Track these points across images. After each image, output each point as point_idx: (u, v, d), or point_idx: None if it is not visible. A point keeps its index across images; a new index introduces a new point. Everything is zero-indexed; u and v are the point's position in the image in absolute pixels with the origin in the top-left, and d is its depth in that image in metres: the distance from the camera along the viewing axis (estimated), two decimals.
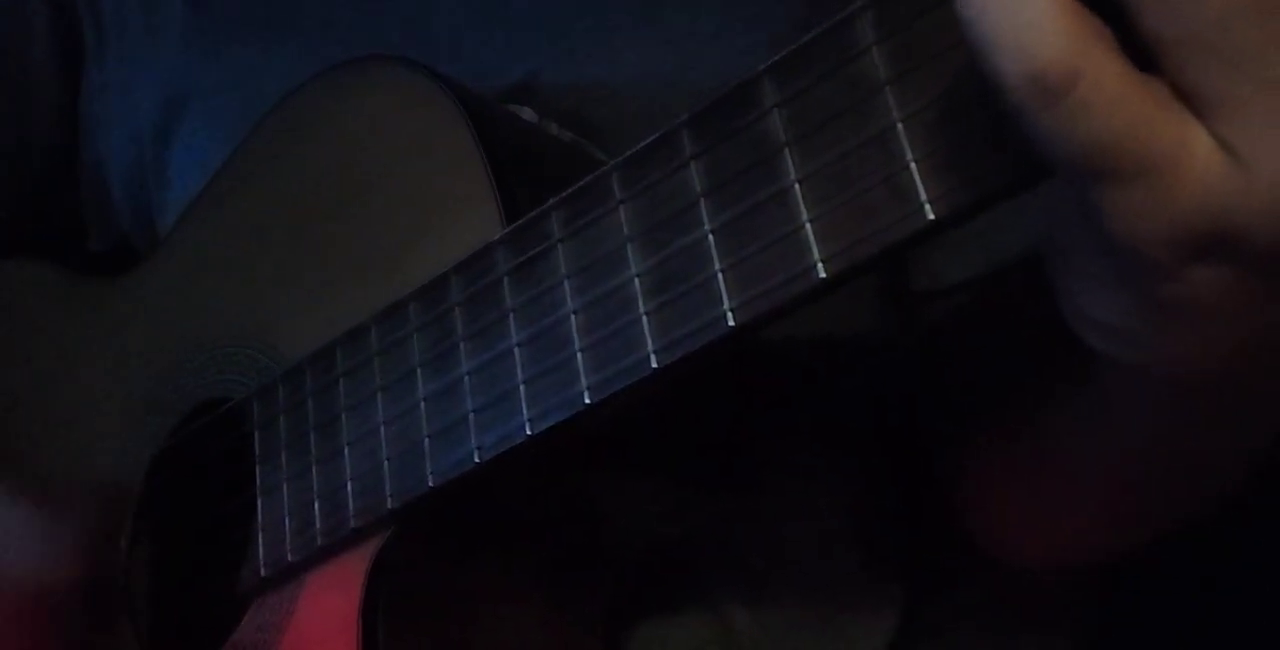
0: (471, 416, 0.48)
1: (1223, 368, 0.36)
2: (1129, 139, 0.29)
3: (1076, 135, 0.30)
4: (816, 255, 0.38)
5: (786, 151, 0.39)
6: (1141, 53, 0.30)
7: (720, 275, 0.41)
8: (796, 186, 0.39)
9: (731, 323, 0.40)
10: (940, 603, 0.65)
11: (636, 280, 0.43)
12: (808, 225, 0.38)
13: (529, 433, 0.46)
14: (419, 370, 0.50)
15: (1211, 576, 0.79)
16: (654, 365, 0.42)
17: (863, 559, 0.64)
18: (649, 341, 0.42)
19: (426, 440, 0.49)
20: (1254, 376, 0.39)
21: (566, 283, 0.45)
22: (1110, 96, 0.29)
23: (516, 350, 0.47)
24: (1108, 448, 0.51)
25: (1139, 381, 0.41)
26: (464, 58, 0.64)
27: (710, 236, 0.41)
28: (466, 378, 0.48)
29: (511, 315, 0.47)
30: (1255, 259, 0.30)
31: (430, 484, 0.49)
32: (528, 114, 0.61)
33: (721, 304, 0.40)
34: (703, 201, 0.42)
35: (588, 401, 0.44)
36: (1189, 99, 0.30)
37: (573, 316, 0.45)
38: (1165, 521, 0.58)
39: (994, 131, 0.34)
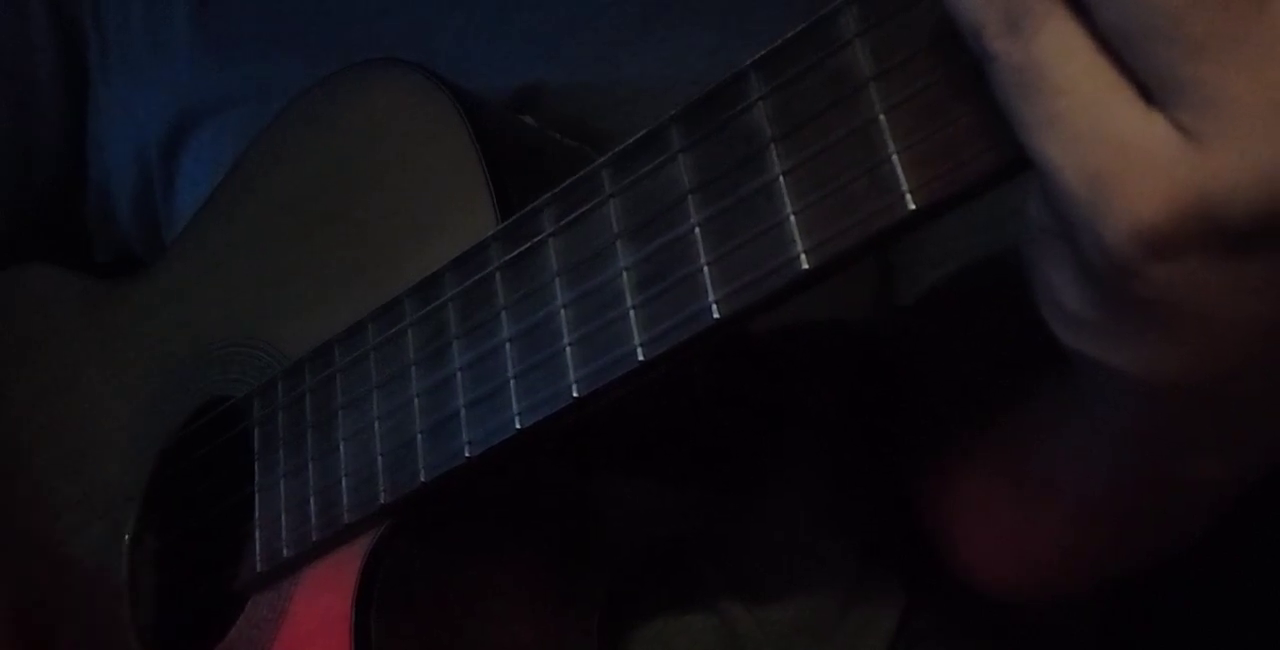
0: (463, 412, 0.48)
1: (1196, 380, 0.35)
2: (1090, 131, 0.30)
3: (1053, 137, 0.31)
4: (800, 247, 0.38)
5: (772, 145, 0.39)
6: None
7: (706, 269, 0.41)
8: (781, 179, 0.39)
9: (716, 315, 0.40)
10: (940, 603, 0.65)
11: (625, 274, 0.43)
12: (792, 217, 0.39)
13: (518, 427, 0.46)
14: (413, 366, 0.51)
15: (1212, 576, 0.78)
16: (640, 358, 0.42)
17: (863, 559, 0.64)
18: (636, 335, 0.42)
19: (419, 436, 0.49)
20: (1233, 396, 0.38)
21: (557, 278, 0.46)
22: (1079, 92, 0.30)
23: (507, 345, 0.47)
24: (1081, 468, 0.49)
25: (1116, 394, 0.40)
26: (467, 70, 0.65)
27: (697, 230, 0.41)
28: (459, 373, 0.49)
29: (503, 311, 0.47)
30: (1236, 238, 0.30)
31: (422, 479, 0.49)
32: (528, 121, 0.61)
33: (707, 297, 0.41)
34: (690, 196, 0.42)
35: (576, 395, 0.44)
36: (1146, 88, 0.30)
37: (563, 311, 0.45)
38: (1128, 560, 0.57)
39: (975, 123, 0.35)
